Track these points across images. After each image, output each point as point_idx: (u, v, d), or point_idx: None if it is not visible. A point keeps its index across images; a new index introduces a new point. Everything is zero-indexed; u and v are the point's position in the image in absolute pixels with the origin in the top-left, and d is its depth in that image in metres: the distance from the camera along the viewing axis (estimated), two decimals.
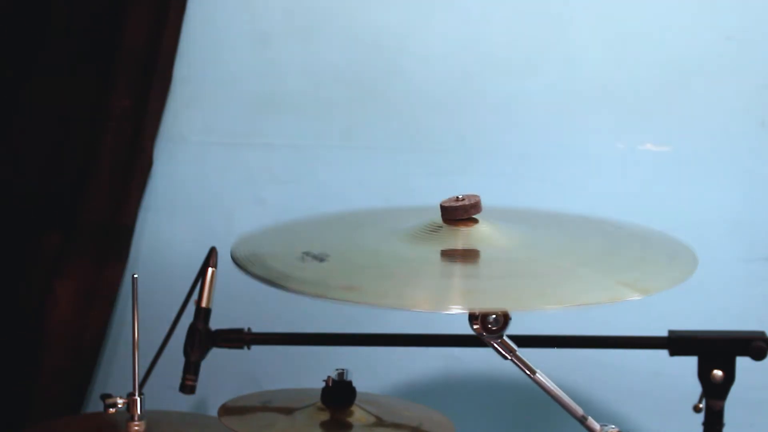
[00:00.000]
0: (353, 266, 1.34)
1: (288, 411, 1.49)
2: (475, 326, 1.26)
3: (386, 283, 1.29)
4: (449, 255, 1.34)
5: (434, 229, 1.37)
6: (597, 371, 1.92)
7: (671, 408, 1.89)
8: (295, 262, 1.33)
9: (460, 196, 1.38)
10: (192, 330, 1.63)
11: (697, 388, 1.59)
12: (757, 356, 1.57)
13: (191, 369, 1.62)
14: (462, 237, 1.36)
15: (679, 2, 1.90)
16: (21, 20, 1.96)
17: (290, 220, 1.59)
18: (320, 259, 1.33)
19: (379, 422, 1.47)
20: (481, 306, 1.25)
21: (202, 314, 1.63)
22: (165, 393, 1.67)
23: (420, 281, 1.29)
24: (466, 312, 1.25)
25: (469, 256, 1.34)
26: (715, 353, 1.58)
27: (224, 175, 2.02)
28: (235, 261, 1.37)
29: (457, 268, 1.33)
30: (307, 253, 1.34)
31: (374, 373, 1.91)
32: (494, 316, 1.25)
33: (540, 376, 1.28)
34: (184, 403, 1.83)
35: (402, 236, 1.38)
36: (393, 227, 1.42)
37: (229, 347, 1.67)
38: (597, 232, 1.51)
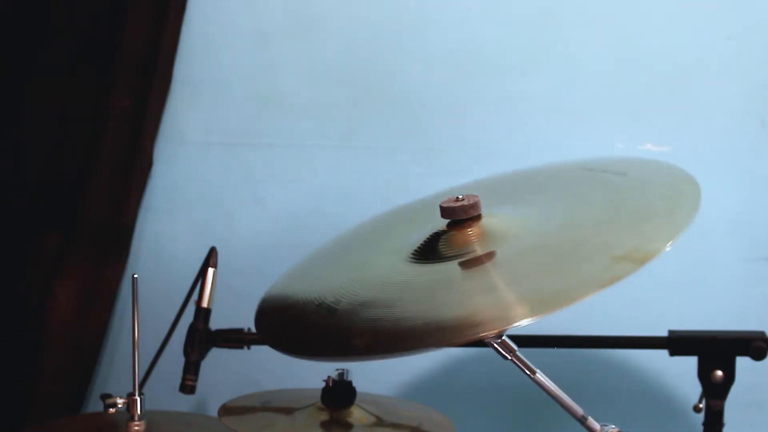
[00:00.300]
0: (398, 312, 1.28)
1: (288, 411, 1.48)
2: None
3: (444, 318, 1.24)
4: (469, 265, 1.31)
5: (440, 238, 1.36)
6: (597, 371, 1.92)
7: (671, 408, 1.89)
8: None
9: (460, 197, 1.37)
10: (192, 330, 1.64)
11: (697, 388, 1.59)
12: (757, 356, 1.57)
13: (191, 369, 1.63)
14: (473, 239, 1.34)
15: (679, 2, 1.90)
16: (21, 20, 1.96)
17: (301, 263, 1.56)
18: (334, 309, 1.31)
19: (379, 422, 1.47)
20: (547, 310, 1.18)
21: (202, 314, 1.64)
22: (165, 393, 1.67)
23: (471, 303, 1.25)
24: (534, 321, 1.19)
25: (487, 259, 1.31)
26: (715, 353, 1.58)
27: (224, 175, 2.02)
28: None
29: (490, 277, 1.30)
30: (321, 305, 1.33)
31: (374, 373, 1.90)
32: None
33: (540, 376, 1.28)
34: (184, 403, 1.83)
35: (411, 257, 1.36)
36: (399, 245, 1.40)
37: (229, 347, 1.67)
38: (596, 190, 1.46)
